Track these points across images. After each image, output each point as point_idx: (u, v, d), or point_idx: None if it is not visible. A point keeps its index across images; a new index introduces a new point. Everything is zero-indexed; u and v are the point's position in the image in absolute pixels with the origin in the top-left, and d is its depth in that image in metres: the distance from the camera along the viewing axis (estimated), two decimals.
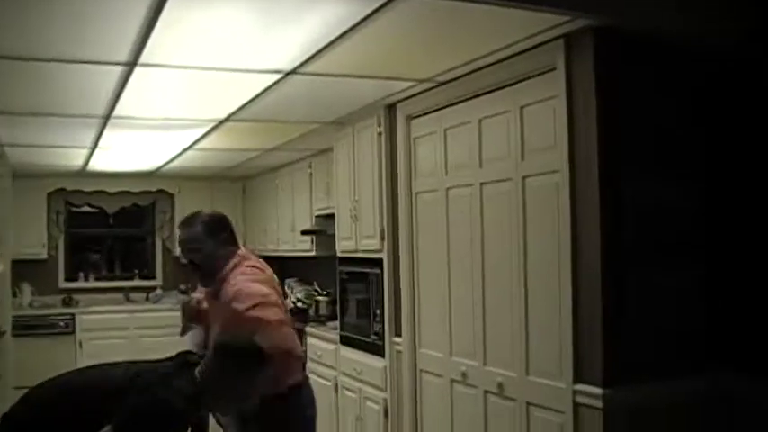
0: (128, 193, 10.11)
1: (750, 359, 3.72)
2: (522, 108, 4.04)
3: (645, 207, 3.60)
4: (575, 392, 3.65)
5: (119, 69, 4.19)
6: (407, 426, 5.17)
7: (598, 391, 3.51)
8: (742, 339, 3.77)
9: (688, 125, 3.78)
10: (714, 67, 3.84)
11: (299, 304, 8.27)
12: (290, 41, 3.78)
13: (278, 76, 4.42)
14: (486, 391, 4.41)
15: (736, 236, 3.80)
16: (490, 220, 4.35)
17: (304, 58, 4.04)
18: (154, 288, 10.37)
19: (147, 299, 10.20)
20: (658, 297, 3.64)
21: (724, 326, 3.81)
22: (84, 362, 9.00)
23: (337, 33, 3.63)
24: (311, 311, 8.04)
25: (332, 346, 6.55)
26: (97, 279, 10.36)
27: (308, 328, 7.36)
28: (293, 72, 4.31)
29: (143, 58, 3.96)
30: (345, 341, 6.31)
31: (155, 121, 5.79)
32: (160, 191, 10.24)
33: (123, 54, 3.90)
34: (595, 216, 3.51)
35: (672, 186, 3.70)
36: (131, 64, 4.07)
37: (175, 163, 8.44)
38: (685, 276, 3.74)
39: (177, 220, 10.12)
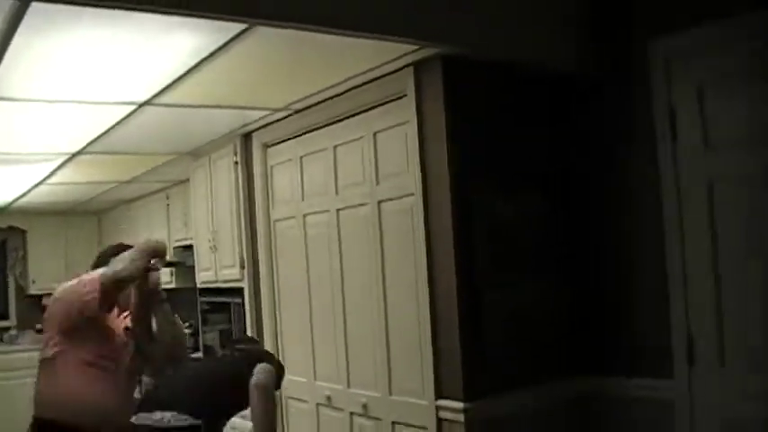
0: None
1: (603, 362, 3.95)
2: (375, 134, 4.15)
3: (497, 224, 3.77)
4: (437, 408, 3.76)
5: None
6: None
7: (459, 405, 3.63)
8: (594, 344, 3.97)
9: (533, 144, 3.98)
10: (557, 89, 4.06)
11: None
12: (143, 72, 3.77)
13: (132, 108, 4.38)
14: (351, 413, 4.48)
15: (584, 246, 4.02)
16: (348, 245, 4.43)
17: (158, 89, 4.03)
18: (8, 329, 9.98)
19: (2, 340, 9.81)
20: (514, 310, 3.82)
21: (578, 333, 4.03)
22: None
23: (191, 64, 3.64)
24: None
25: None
26: None
27: None
28: (147, 103, 4.28)
29: None
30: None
31: (4, 155, 5.63)
32: (11, 228, 9.88)
33: None
34: (449, 235, 3.64)
35: (522, 202, 3.89)
36: None
37: (26, 198, 8.17)
38: (539, 288, 3.93)
39: (30, 256, 9.83)
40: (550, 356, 3.95)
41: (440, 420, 3.76)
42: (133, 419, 3.69)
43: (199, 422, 3.75)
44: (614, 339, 3.91)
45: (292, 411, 5.14)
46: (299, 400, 5.03)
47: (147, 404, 3.82)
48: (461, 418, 3.62)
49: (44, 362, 3.32)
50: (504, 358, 3.76)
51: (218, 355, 4.23)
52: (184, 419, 3.74)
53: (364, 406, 4.32)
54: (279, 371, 4.11)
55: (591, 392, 3.97)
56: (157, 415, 3.72)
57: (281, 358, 5.15)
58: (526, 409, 3.81)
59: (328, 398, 4.66)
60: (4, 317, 10.14)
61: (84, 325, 3.19)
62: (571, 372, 3.99)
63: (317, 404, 4.81)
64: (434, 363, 3.77)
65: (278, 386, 4.12)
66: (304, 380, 4.94)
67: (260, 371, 3.93)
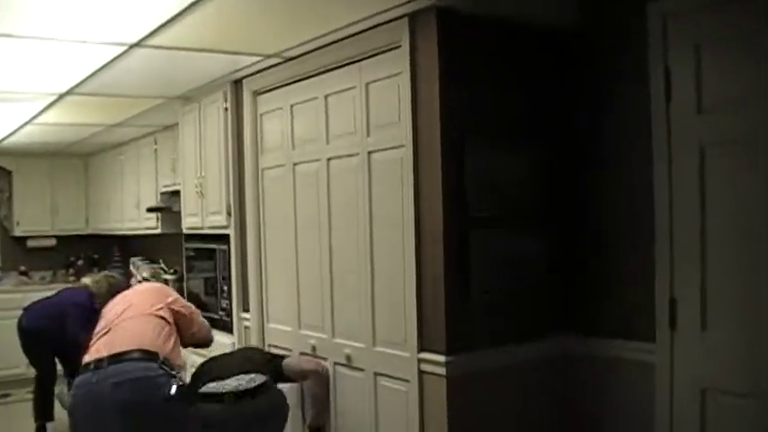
0: None
1: (585, 322, 3.96)
2: (367, 84, 4.11)
3: (485, 178, 3.75)
4: (419, 361, 3.77)
5: None
6: None
7: (441, 359, 3.64)
8: (578, 304, 3.99)
9: (525, 99, 3.95)
10: (552, 44, 4.02)
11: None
12: (134, 12, 3.71)
13: (122, 49, 4.32)
14: (335, 363, 4.49)
15: (573, 201, 4.02)
16: (337, 194, 4.41)
17: (149, 31, 3.97)
18: None
19: None
20: (500, 266, 3.81)
21: (562, 291, 4.03)
22: None
23: (184, 5, 3.59)
24: None
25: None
26: None
27: None
28: (137, 45, 4.23)
29: None
30: None
31: None
32: None
33: None
34: (437, 189, 3.62)
35: (512, 156, 3.87)
36: None
37: (13, 138, 8.10)
38: (526, 245, 3.92)
39: (15, 198, 9.78)
40: (534, 313, 3.96)
41: (421, 373, 3.77)
42: (204, 389, 4.31)
43: (265, 378, 4.35)
44: (599, 299, 3.92)
45: None
46: (283, 348, 5.04)
47: (204, 377, 4.43)
48: (443, 371, 3.63)
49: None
50: (487, 313, 3.77)
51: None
52: (257, 379, 4.32)
53: (348, 356, 4.34)
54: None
55: (573, 351, 3.99)
56: (231, 381, 4.28)
57: (266, 307, 5.19)
58: (508, 364, 3.83)
59: (313, 347, 4.67)
60: None
61: None
62: (554, 330, 4.01)
63: (301, 353, 4.82)
64: (418, 315, 3.77)
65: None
66: (289, 329, 4.95)
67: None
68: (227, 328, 5.65)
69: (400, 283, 3.89)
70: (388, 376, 4.07)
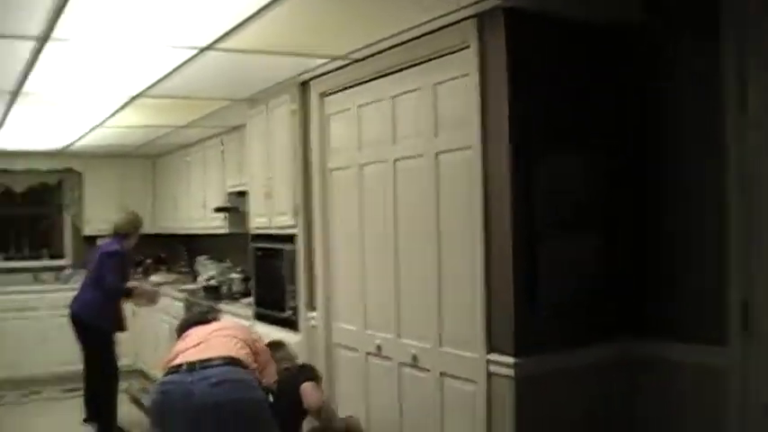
0: (35, 171, 9.90)
1: (651, 324, 3.91)
2: (435, 85, 4.12)
3: (552, 180, 3.73)
4: (488, 362, 3.77)
5: (30, 44, 4.12)
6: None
7: (510, 360, 3.63)
8: (644, 306, 3.95)
9: (595, 100, 3.92)
10: (622, 44, 3.98)
11: (212, 282, 8.25)
12: (205, 17, 3.78)
13: (193, 52, 4.41)
14: (400, 363, 4.51)
15: (642, 204, 3.97)
16: (404, 195, 4.43)
17: (220, 34, 4.05)
18: (63, 268, 10.19)
19: (57, 278, 10.02)
20: (566, 269, 3.79)
21: (628, 294, 3.98)
22: None
23: (253, 9, 3.65)
24: (224, 289, 8.02)
25: (246, 323, 6.55)
26: (6, 259, 10.11)
27: (221, 305, 7.35)
28: (208, 48, 4.30)
29: (56, 33, 3.91)
30: (260, 317, 6.33)
31: (65, 97, 5.70)
32: (68, 169, 10.05)
33: (35, 28, 3.84)
34: (506, 190, 3.62)
35: (581, 158, 3.85)
36: (43, 38, 4.01)
37: (85, 140, 8.30)
38: (591, 248, 3.90)
39: (86, 198, 10.00)
40: (600, 316, 3.92)
41: (490, 374, 3.77)
42: None
43: None
44: (666, 301, 3.86)
45: (341, 360, 5.20)
46: (348, 348, 5.08)
47: None
48: (512, 372, 3.63)
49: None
50: (554, 315, 3.75)
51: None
52: None
53: (414, 357, 4.35)
54: (316, 376, 4.90)
55: (638, 355, 3.93)
56: None
57: (332, 307, 5.22)
58: (574, 367, 3.81)
59: (378, 347, 4.70)
60: (60, 256, 10.36)
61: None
62: (620, 333, 3.96)
63: (367, 353, 4.85)
64: (486, 316, 3.77)
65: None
66: (354, 328, 4.98)
67: (305, 390, 4.73)
68: (293, 326, 5.70)
69: (468, 285, 3.90)
70: (454, 377, 4.07)
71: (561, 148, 3.78)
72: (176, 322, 8.15)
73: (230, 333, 4.51)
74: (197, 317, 5.40)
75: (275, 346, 5.08)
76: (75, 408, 7.74)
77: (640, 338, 3.94)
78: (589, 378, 3.86)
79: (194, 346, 4.32)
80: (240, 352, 4.26)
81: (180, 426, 4.07)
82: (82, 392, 7.62)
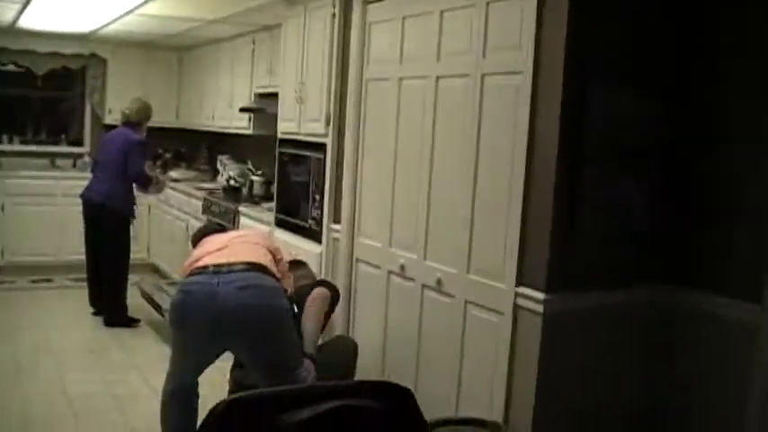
0: (58, 54, 9.71)
1: (688, 274, 3.78)
2: (488, 3, 3.92)
3: (604, 117, 3.56)
4: (516, 295, 3.67)
5: None
6: (340, 314, 5.17)
7: (540, 296, 3.54)
8: (683, 255, 3.82)
9: (655, 34, 3.72)
10: None
11: (232, 182, 8.15)
12: None
13: None
14: (424, 286, 4.42)
15: (693, 151, 3.80)
16: (443, 114, 4.27)
17: None
18: (82, 155, 10.11)
19: (74, 166, 9.95)
20: (608, 209, 3.65)
21: (667, 241, 3.85)
22: (9, 226, 8.86)
23: None
24: (244, 191, 7.93)
25: (266, 228, 6.49)
26: (22, 143, 10.00)
27: (241, 208, 7.27)
28: None
29: None
30: (281, 224, 6.25)
31: None
32: (93, 55, 9.87)
33: None
34: (555, 121, 3.46)
35: (637, 99, 3.67)
36: None
37: (112, 27, 8.12)
38: (637, 191, 3.75)
39: (109, 86, 9.85)
40: (637, 259, 3.80)
41: (517, 307, 3.68)
42: None
43: None
44: (708, 252, 3.72)
45: (362, 276, 5.12)
46: (370, 264, 5.00)
47: None
48: (540, 308, 3.53)
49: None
50: (591, 254, 3.63)
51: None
52: None
53: (438, 281, 4.27)
54: (334, 294, 4.71)
55: (671, 302, 3.81)
56: None
57: (357, 221, 5.13)
58: (604, 308, 3.70)
59: (402, 267, 4.61)
60: (79, 143, 10.27)
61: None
62: (654, 278, 3.83)
63: (389, 271, 4.77)
64: (520, 249, 3.66)
65: (332, 308, 4.74)
66: (378, 245, 4.89)
67: (314, 292, 4.57)
68: (316, 237, 5.62)
69: (503, 214, 3.77)
70: (479, 306, 3.99)
71: (617, 85, 3.59)
72: (192, 221, 8.18)
73: (252, 240, 4.48)
74: (213, 226, 5.35)
75: (296, 264, 5.03)
76: (85, 298, 7.77)
77: (678, 287, 3.80)
78: (620, 322, 3.77)
79: (217, 250, 4.28)
80: (264, 259, 4.22)
81: (200, 328, 4.05)
82: (87, 286, 7.69)
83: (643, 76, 3.69)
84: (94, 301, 7.65)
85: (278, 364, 4.13)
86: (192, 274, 4.18)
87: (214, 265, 4.11)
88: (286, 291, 4.26)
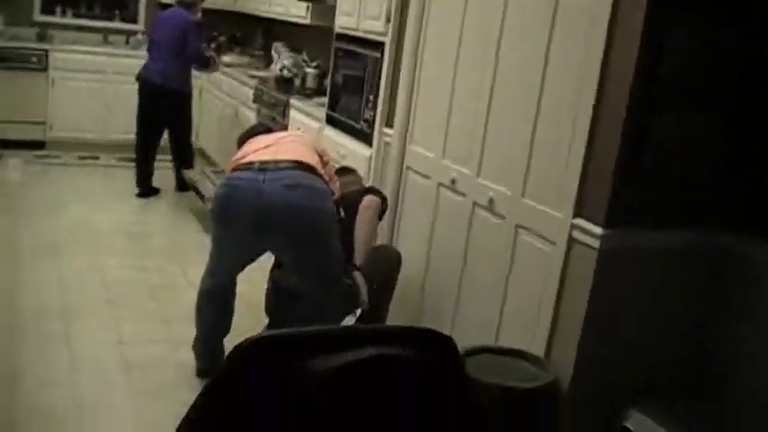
0: None
1: (758, 221, 3.51)
2: None
3: (684, 51, 3.25)
4: (572, 226, 3.46)
5: None
6: (385, 223, 5.00)
7: (598, 230, 3.31)
8: (755, 201, 3.54)
9: None
10: None
11: (285, 72, 7.91)
12: None
13: None
14: (474, 203, 4.22)
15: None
16: (511, 25, 3.98)
17: None
18: (135, 33, 9.89)
19: (127, 43, 9.74)
20: (681, 146, 3.38)
21: (739, 184, 3.57)
22: (57, 101, 8.75)
23: None
24: (296, 82, 7.70)
25: (316, 124, 6.30)
26: (75, 16, 9.71)
27: (292, 100, 7.06)
28: None
29: None
30: (331, 122, 6.05)
31: None
32: None
33: None
34: (632, 51, 3.15)
35: (716, 35, 3.33)
36: None
37: None
38: (709, 129, 3.45)
39: None
40: (705, 201, 3.53)
41: (572, 239, 3.47)
42: None
43: None
44: None
45: (411, 185, 4.92)
46: (420, 174, 4.79)
47: None
48: (597, 243, 3.32)
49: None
50: (655, 192, 3.38)
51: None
52: None
53: (490, 200, 4.06)
54: (384, 202, 4.56)
55: (736, 249, 3.53)
56: None
57: (411, 127, 4.91)
58: (664, 248, 3.46)
59: (453, 180, 4.40)
60: (133, 20, 10.03)
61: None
62: (721, 221, 3.55)
63: (439, 184, 4.56)
64: (581, 178, 3.42)
65: (380, 217, 4.59)
66: (431, 155, 4.67)
67: (367, 198, 4.41)
68: (366, 140, 5.42)
69: (567, 139, 3.52)
70: (531, 232, 3.78)
71: (699, 20, 3.26)
72: (242, 108, 8.01)
73: (300, 140, 4.34)
74: (260, 128, 5.18)
75: (345, 170, 4.87)
76: (130, 177, 7.71)
77: (741, 233, 3.52)
78: (678, 264, 3.53)
79: (264, 147, 4.14)
80: (312, 159, 4.08)
81: (243, 224, 3.96)
82: (135, 167, 7.65)
83: (727, 9, 3.34)
84: (141, 182, 7.60)
85: (320, 271, 4.05)
86: (236, 169, 4.05)
87: (260, 162, 3.99)
88: (333, 194, 4.11)
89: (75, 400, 4.03)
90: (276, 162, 3.98)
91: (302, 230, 3.93)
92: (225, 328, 4.35)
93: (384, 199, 4.60)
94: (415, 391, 1.89)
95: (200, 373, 4.40)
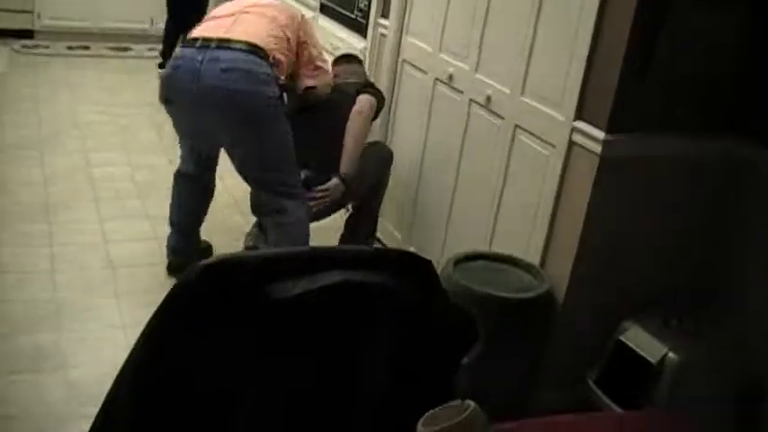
0: None
1: None
2: None
3: None
4: (573, 130, 3.25)
5: None
6: (380, 118, 4.79)
7: (600, 135, 3.10)
8: None
9: None
10: None
11: None
12: None
13: None
14: (472, 101, 4.00)
15: None
16: None
17: None
18: None
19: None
20: (691, 48, 3.12)
21: (754, 89, 3.31)
22: None
23: None
24: None
25: (310, 14, 6.00)
26: None
27: None
28: None
29: None
30: (325, 10, 5.78)
31: None
32: None
33: None
34: None
35: None
36: None
37: None
38: (727, 30, 3.18)
39: None
40: (716, 106, 3.29)
41: (572, 143, 3.27)
42: None
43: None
44: None
45: (407, 80, 4.68)
46: (416, 68, 4.55)
47: None
48: (598, 149, 3.11)
49: None
50: (662, 96, 3.14)
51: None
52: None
53: (488, 98, 3.83)
54: (380, 102, 4.39)
55: (746, 159, 3.32)
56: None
57: (407, 18, 4.64)
58: (669, 155, 3.26)
59: (450, 76, 4.16)
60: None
61: None
62: (732, 129, 3.32)
63: (436, 79, 4.33)
64: (584, 80, 3.19)
65: (376, 116, 4.44)
66: (428, 48, 4.42)
67: (361, 100, 4.24)
68: (360, 30, 5.16)
69: (570, 34, 3.27)
70: (530, 133, 3.57)
71: None
72: None
73: (272, 13, 4.05)
74: None
75: (348, 58, 4.64)
76: (122, 69, 7.47)
77: (753, 142, 3.30)
78: (682, 171, 3.33)
79: (225, 16, 3.99)
80: (269, 39, 3.89)
81: (184, 108, 3.89)
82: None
83: None
84: (166, 54, 7.37)
85: (260, 159, 3.91)
86: (185, 44, 3.93)
87: (203, 39, 3.83)
88: (278, 79, 3.91)
89: (57, 300, 3.92)
90: (221, 41, 3.80)
91: (236, 113, 3.76)
92: (194, 214, 4.28)
93: (381, 98, 4.39)
94: (387, 319, 1.73)
95: (170, 266, 4.33)
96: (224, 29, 3.89)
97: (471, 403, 1.72)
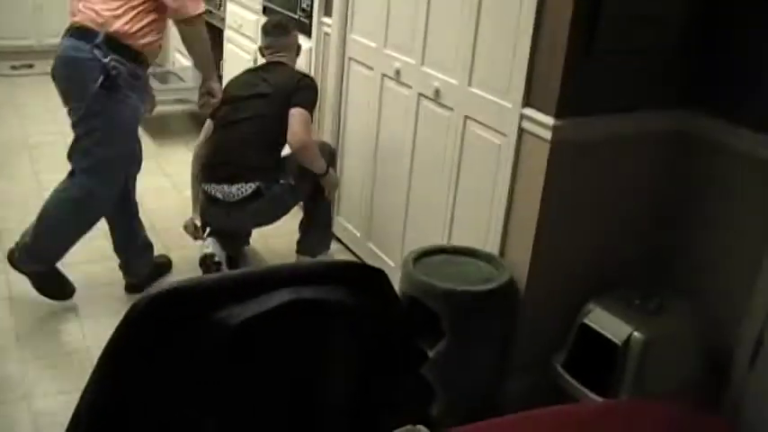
0: None
1: (724, 103, 3.28)
2: None
3: None
4: (522, 117, 3.24)
5: None
6: (328, 115, 4.77)
7: (549, 121, 3.09)
8: (722, 79, 3.31)
9: None
10: None
11: None
12: None
13: None
14: (420, 94, 3.98)
15: None
16: None
17: None
18: None
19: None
20: (635, 22, 3.10)
21: (705, 61, 3.33)
22: None
23: None
24: None
25: (254, 17, 5.94)
26: None
27: None
28: None
29: None
30: (269, 13, 5.70)
31: None
32: None
33: None
34: None
35: None
36: None
37: None
38: (674, 4, 3.20)
39: None
40: (665, 81, 3.30)
41: (522, 130, 3.25)
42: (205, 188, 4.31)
43: (257, 184, 4.17)
44: (749, 80, 3.18)
45: (354, 77, 4.65)
46: (363, 65, 4.52)
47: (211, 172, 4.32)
48: (548, 135, 3.10)
49: None
50: (610, 75, 3.14)
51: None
52: (248, 188, 4.17)
53: (436, 91, 3.82)
54: (313, 103, 4.41)
55: (700, 134, 3.33)
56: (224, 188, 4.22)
57: (350, 15, 4.61)
58: (622, 135, 3.27)
59: (397, 71, 4.14)
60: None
61: None
62: (684, 104, 3.34)
63: (383, 75, 4.31)
64: (529, 66, 3.18)
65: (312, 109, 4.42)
66: (373, 44, 4.39)
67: (294, 122, 4.22)
68: (305, 30, 5.09)
69: (513, 23, 3.26)
70: (480, 123, 3.56)
71: None
72: None
73: None
74: None
75: (278, 28, 4.66)
76: None
77: (706, 116, 3.30)
78: (636, 150, 3.35)
79: None
80: (103, 4, 3.80)
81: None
82: None
83: None
84: None
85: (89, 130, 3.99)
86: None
87: (68, 29, 3.90)
88: (102, 58, 3.75)
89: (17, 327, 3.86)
90: (71, 30, 3.85)
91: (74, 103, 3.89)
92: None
93: (314, 96, 4.46)
94: (344, 333, 1.70)
95: (126, 287, 4.36)
96: (80, 16, 3.87)
97: (423, 428, 1.71)
